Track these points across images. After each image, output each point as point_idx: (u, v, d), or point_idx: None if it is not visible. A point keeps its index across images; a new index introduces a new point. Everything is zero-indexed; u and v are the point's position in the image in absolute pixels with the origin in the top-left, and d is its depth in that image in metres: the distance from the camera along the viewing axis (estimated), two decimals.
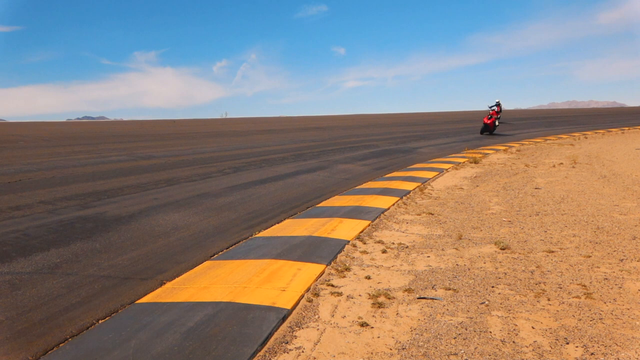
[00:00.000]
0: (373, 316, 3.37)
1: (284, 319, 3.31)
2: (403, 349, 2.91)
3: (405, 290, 3.82)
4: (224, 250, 4.99)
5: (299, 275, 4.14)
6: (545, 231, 5.60)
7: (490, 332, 3.10)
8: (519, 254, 4.75)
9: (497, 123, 23.05)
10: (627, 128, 29.68)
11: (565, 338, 3.00)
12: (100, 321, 3.34)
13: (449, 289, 3.84)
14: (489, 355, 2.80)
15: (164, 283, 4.07)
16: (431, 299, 3.66)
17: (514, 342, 2.97)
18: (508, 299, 3.63)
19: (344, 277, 4.16)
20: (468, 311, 3.42)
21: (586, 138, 21.75)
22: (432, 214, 6.62)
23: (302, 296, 3.70)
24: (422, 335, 3.08)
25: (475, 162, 12.71)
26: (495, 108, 23.00)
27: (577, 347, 2.89)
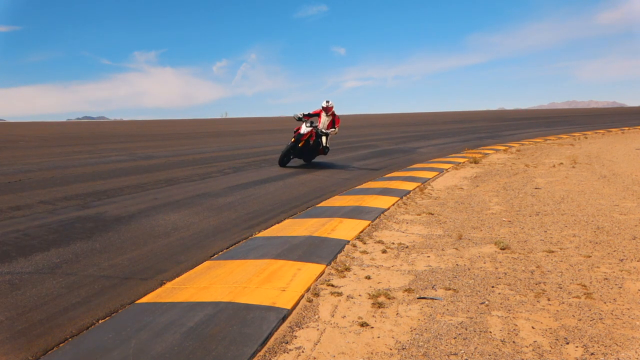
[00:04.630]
0: (373, 316, 3.37)
1: (284, 319, 3.31)
2: (403, 349, 2.91)
3: (405, 290, 3.82)
4: (224, 250, 4.99)
5: (299, 275, 4.13)
6: (545, 231, 5.60)
7: (490, 332, 3.10)
8: (519, 254, 4.75)
9: (324, 142, 11.81)
10: (627, 128, 29.68)
11: (565, 338, 3.00)
12: (100, 321, 3.34)
13: (449, 289, 3.84)
14: (489, 355, 2.80)
15: (164, 283, 4.07)
16: (431, 299, 3.66)
17: (514, 342, 2.97)
18: (508, 299, 3.63)
19: (344, 277, 4.16)
20: (468, 311, 3.42)
21: (586, 138, 21.75)
22: (432, 214, 6.61)
23: (302, 296, 3.70)
24: (422, 335, 3.08)
25: (475, 162, 12.71)
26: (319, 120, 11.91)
27: (577, 347, 2.89)
